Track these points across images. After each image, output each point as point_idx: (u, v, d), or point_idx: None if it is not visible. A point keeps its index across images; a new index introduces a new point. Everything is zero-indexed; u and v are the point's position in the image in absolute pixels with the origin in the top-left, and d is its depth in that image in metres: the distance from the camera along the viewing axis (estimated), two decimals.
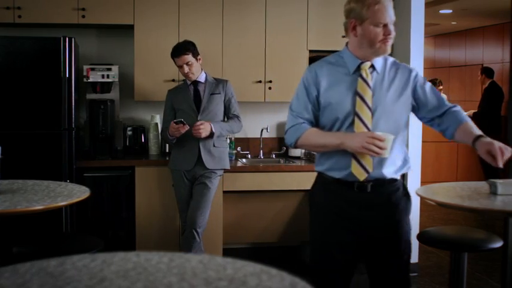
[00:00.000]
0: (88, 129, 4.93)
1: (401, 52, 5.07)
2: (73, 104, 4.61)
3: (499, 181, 2.71)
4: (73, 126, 4.63)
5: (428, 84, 2.83)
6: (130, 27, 5.03)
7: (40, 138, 4.57)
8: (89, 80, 4.88)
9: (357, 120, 2.73)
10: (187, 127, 4.36)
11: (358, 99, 2.73)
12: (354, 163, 2.74)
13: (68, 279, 1.41)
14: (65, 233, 4.45)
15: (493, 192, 2.70)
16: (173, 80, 4.97)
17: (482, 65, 10.19)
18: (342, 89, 2.76)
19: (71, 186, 3.26)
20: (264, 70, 5.19)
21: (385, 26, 2.69)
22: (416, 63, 4.99)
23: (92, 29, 5.27)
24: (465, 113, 2.80)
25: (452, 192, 2.77)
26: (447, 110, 2.80)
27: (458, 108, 2.80)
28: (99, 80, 4.90)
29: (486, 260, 5.36)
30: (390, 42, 2.73)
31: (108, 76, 4.89)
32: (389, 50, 2.77)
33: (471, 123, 2.75)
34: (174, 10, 5.05)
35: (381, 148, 2.61)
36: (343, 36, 4.72)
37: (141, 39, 5.02)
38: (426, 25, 5.08)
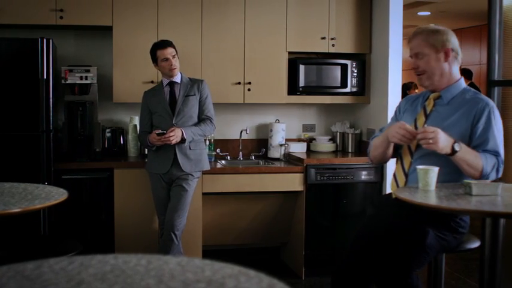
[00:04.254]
0: (66, 131, 4.89)
1: (380, 54, 5.10)
2: (51, 105, 4.57)
3: (473, 182, 2.75)
4: (51, 128, 4.59)
5: (485, 123, 2.98)
6: (108, 29, 5.01)
7: (17, 140, 4.53)
8: (67, 82, 4.85)
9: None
10: None
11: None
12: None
13: (45, 283, 1.40)
14: (42, 236, 4.41)
15: (468, 193, 2.73)
16: (152, 82, 4.96)
17: (460, 66, 10.28)
18: (408, 115, 3.17)
19: (48, 188, 3.23)
20: (243, 71, 5.19)
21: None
22: (395, 65, 5.02)
23: (70, 30, 5.23)
24: (481, 158, 2.94)
25: (430, 193, 2.80)
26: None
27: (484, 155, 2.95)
28: (78, 82, 4.86)
29: (464, 260, 5.41)
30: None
31: (86, 78, 4.86)
32: (420, 82, 3.17)
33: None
34: (153, 11, 5.03)
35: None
36: (322, 38, 4.77)
37: (119, 40, 4.99)
38: (404, 27, 5.11)
